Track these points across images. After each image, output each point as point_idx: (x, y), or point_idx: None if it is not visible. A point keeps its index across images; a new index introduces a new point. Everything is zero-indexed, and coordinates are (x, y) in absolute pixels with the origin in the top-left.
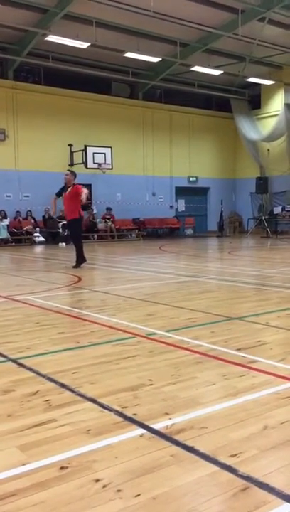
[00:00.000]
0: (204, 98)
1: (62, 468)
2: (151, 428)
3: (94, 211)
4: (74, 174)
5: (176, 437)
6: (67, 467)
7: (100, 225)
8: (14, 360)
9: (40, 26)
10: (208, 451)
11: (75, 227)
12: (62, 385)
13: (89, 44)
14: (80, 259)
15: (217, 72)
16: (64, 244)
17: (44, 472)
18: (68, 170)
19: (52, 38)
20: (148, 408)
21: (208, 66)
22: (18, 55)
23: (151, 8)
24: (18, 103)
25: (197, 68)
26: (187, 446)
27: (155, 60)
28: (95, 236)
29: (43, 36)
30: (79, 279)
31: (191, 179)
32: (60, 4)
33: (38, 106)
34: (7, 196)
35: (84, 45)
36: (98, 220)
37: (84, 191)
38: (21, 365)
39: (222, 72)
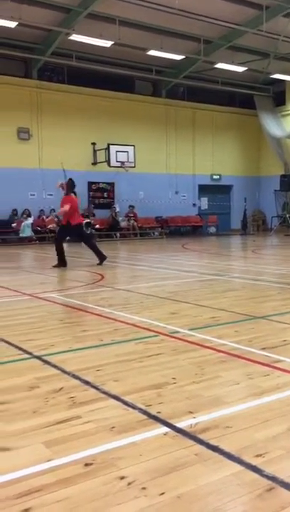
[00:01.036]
0: (227, 95)
1: (86, 464)
2: (175, 426)
3: (117, 209)
4: (67, 184)
5: (200, 436)
6: (91, 464)
7: (123, 223)
8: (39, 357)
9: (64, 26)
10: (233, 450)
11: (60, 230)
12: (86, 382)
13: (112, 43)
14: (102, 257)
15: (241, 69)
16: None
17: (69, 468)
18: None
19: (75, 37)
20: (172, 406)
21: (232, 63)
22: (42, 55)
23: (175, 6)
24: (42, 102)
25: (220, 65)
26: (211, 445)
27: (178, 57)
28: (118, 234)
29: (67, 35)
30: (102, 277)
31: (214, 177)
32: (84, 3)
33: (61, 105)
34: (31, 195)
35: (108, 43)
36: (121, 218)
37: (64, 208)
38: (46, 362)
39: (246, 68)
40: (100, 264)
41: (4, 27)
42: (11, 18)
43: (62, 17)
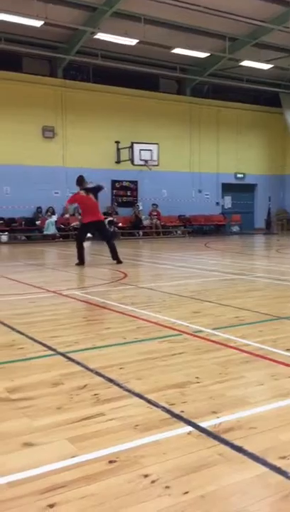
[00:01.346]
0: (252, 93)
1: (110, 462)
2: (198, 426)
3: (140, 208)
4: (78, 181)
5: (224, 436)
6: (115, 461)
7: (146, 222)
8: (63, 354)
9: (89, 24)
10: (257, 451)
11: (80, 229)
12: (110, 380)
13: (137, 41)
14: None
15: (266, 67)
16: None
17: (93, 465)
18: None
19: (101, 35)
20: (195, 406)
21: (258, 60)
22: (68, 54)
23: (201, 3)
24: (66, 101)
25: (246, 63)
26: (235, 445)
27: (203, 55)
28: (141, 232)
29: (92, 34)
30: (125, 275)
31: (238, 175)
32: (109, 2)
33: (86, 103)
34: (55, 193)
35: (133, 42)
36: (144, 216)
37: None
38: (70, 359)
39: (271, 66)
40: (78, 265)
41: (30, 26)
42: (37, 17)
43: (88, 16)
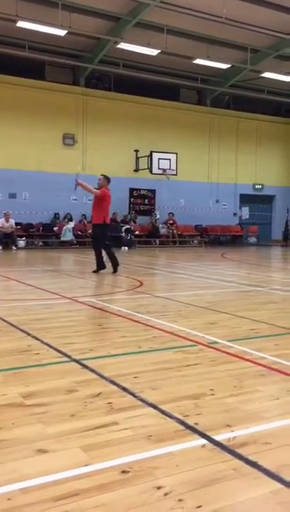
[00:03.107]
0: (273, 104)
1: (123, 472)
2: (212, 439)
3: (158, 216)
4: (107, 179)
5: (239, 451)
6: (128, 471)
7: (163, 230)
8: (77, 361)
9: (112, 34)
10: (272, 467)
11: (98, 232)
12: (124, 389)
13: (159, 51)
14: (100, 266)
15: (288, 79)
16: (126, 248)
17: (106, 474)
18: (101, 174)
19: (123, 45)
20: (209, 418)
21: (279, 72)
22: (90, 63)
23: (223, 15)
24: (87, 109)
25: (267, 74)
26: (250, 460)
27: (224, 66)
28: (157, 241)
29: (115, 44)
30: (141, 284)
31: (256, 187)
32: (133, 12)
33: (106, 112)
34: (73, 200)
35: (155, 52)
36: (161, 225)
37: (96, 191)
38: (84, 366)
39: None
40: (96, 271)
41: (54, 35)
42: (61, 27)
43: (111, 25)
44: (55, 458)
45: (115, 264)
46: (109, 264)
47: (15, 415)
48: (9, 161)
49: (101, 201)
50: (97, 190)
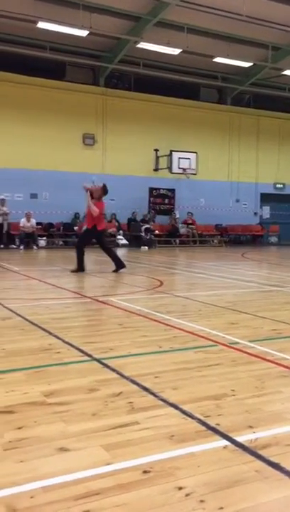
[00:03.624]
0: None
1: (145, 472)
2: (234, 440)
3: (177, 216)
4: (104, 191)
5: (261, 452)
6: (149, 471)
7: (182, 230)
8: (98, 360)
9: (132, 34)
10: None
11: (82, 234)
12: (145, 389)
13: (180, 50)
14: (119, 264)
15: None
16: (146, 247)
17: (127, 474)
18: (103, 184)
19: (143, 45)
20: (231, 419)
21: None
22: (110, 63)
23: (244, 13)
24: (107, 109)
25: (289, 72)
26: (272, 462)
27: (245, 64)
28: (177, 241)
29: (135, 44)
30: (161, 283)
31: (278, 186)
32: (153, 12)
33: (126, 112)
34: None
35: (176, 51)
36: (180, 225)
37: (96, 211)
38: (105, 365)
39: None
40: (116, 271)
41: (75, 35)
42: (82, 27)
43: (131, 25)
44: (77, 457)
45: (118, 264)
46: (153, 262)
47: (38, 414)
48: (30, 162)
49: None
50: (96, 210)
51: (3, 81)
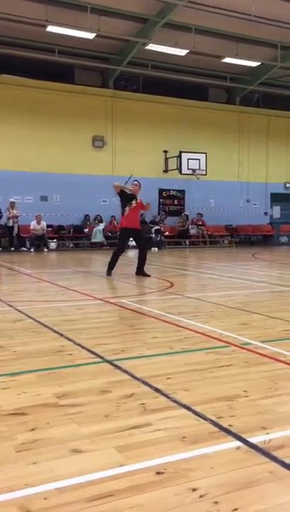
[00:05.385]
0: None
1: (158, 473)
2: (247, 441)
3: (187, 213)
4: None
5: (275, 453)
6: (163, 473)
7: (192, 231)
8: (110, 362)
9: (140, 36)
10: None
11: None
12: (157, 390)
13: (188, 51)
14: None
15: None
16: (156, 248)
17: (141, 475)
18: (136, 180)
19: (152, 46)
20: (244, 420)
21: None
22: (119, 65)
23: (252, 12)
24: (116, 111)
25: None
26: (286, 463)
27: (254, 64)
28: (187, 242)
29: (143, 45)
30: (172, 285)
31: (288, 185)
32: (161, 13)
33: (135, 113)
34: (103, 201)
35: (183, 52)
36: (190, 225)
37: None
38: (117, 367)
39: None
40: (138, 274)
41: (83, 38)
42: (90, 30)
43: (139, 27)
44: (90, 458)
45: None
46: (163, 263)
47: (50, 415)
48: (40, 164)
49: (139, 208)
50: (147, 204)
51: (13, 85)
